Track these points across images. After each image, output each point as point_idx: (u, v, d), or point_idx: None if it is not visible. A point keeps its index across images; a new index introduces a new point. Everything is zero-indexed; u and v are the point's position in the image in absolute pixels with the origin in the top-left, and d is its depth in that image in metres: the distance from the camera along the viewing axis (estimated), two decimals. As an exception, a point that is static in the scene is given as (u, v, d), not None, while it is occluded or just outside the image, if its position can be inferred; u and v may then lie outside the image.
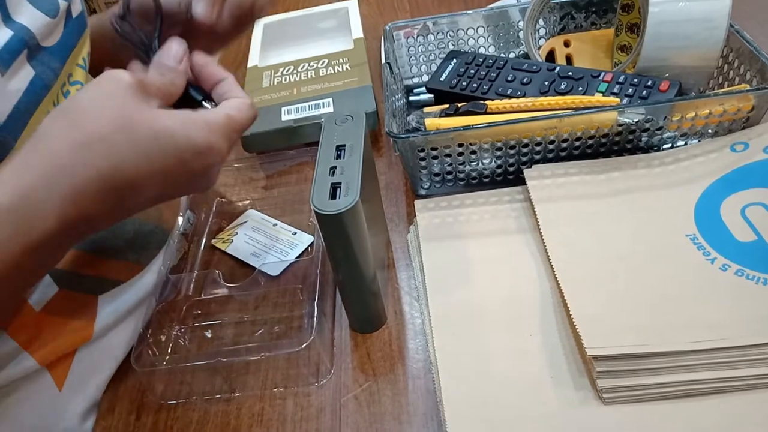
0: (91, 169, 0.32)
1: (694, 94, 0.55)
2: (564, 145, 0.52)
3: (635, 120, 0.50)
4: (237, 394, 0.44)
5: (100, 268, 0.46)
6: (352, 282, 0.43)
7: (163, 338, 0.47)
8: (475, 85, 0.60)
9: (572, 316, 0.40)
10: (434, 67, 0.66)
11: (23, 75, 0.40)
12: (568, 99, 0.52)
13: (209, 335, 0.48)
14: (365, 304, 0.45)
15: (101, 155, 0.32)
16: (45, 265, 0.36)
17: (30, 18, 0.41)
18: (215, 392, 0.44)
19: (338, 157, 0.42)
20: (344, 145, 0.43)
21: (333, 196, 0.39)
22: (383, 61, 0.61)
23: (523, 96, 0.57)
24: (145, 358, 0.44)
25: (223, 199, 0.61)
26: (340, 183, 0.40)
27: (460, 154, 0.52)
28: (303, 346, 0.42)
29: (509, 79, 0.59)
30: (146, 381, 0.45)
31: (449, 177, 0.55)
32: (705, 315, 0.40)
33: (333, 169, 0.41)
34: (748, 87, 0.51)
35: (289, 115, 0.65)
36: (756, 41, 0.52)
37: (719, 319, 0.39)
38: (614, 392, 0.38)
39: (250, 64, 0.75)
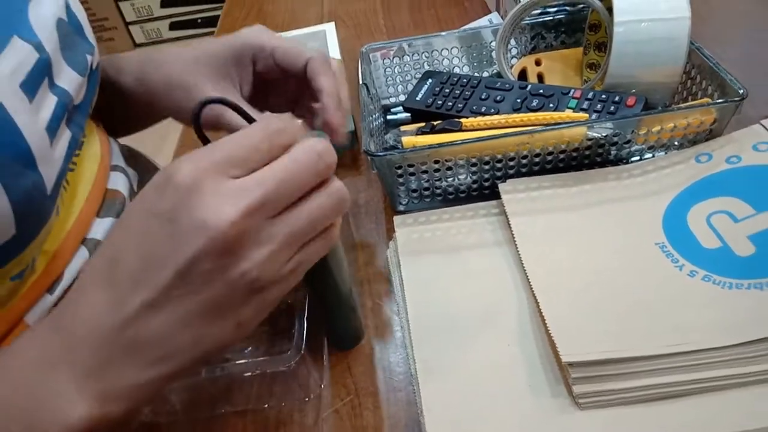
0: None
1: (660, 108, 0.57)
2: (536, 159, 0.54)
3: (604, 134, 0.52)
4: (222, 411, 0.44)
5: None
6: (330, 299, 0.44)
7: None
8: (450, 103, 0.62)
9: (548, 326, 0.41)
10: (411, 87, 0.68)
11: (63, 139, 0.40)
12: (540, 115, 0.54)
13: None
14: (344, 321, 0.46)
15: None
16: None
17: (68, 80, 0.41)
18: (201, 410, 0.45)
19: None
20: None
21: None
22: (360, 82, 0.62)
23: (497, 113, 0.59)
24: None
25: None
26: None
27: (437, 170, 0.54)
28: (290, 363, 0.43)
29: (483, 97, 0.61)
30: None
31: (426, 193, 0.56)
32: (675, 319, 0.41)
33: None
34: (709, 101, 0.54)
35: (269, 136, 0.66)
36: (715, 58, 0.54)
37: (688, 323, 0.41)
38: (589, 397, 0.39)
39: (230, 88, 0.76)
